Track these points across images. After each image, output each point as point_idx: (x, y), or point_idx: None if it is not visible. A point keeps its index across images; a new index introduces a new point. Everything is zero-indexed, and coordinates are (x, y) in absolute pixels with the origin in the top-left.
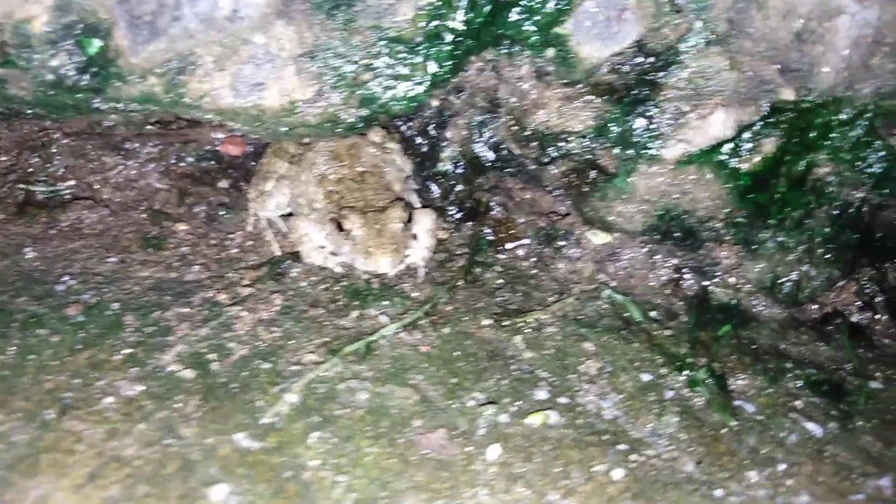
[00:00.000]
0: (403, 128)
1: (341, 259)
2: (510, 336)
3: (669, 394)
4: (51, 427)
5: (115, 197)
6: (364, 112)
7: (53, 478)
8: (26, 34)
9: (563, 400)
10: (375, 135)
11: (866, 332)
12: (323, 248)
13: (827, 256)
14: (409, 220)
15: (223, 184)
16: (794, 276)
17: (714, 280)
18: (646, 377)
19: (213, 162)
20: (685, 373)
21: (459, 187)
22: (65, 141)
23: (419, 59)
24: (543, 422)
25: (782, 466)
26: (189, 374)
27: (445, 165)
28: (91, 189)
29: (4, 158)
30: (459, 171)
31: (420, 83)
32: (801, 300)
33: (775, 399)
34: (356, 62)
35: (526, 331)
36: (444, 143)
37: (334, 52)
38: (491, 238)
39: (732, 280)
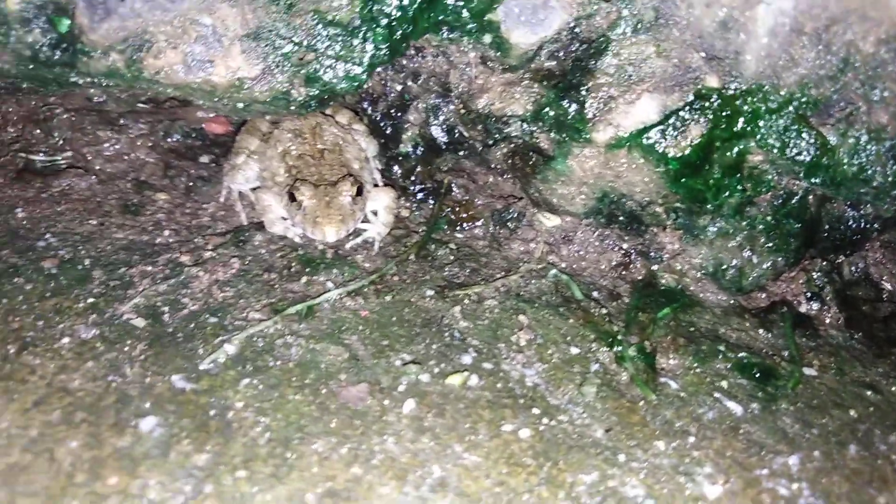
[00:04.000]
0: (371, 111)
1: (299, 230)
2: (450, 307)
3: (595, 367)
4: (9, 360)
5: (105, 167)
6: (313, 91)
7: (3, 402)
8: (2, 12)
9: (487, 365)
10: (342, 116)
11: (813, 322)
12: (285, 219)
13: (769, 245)
14: (359, 194)
15: (204, 159)
16: (736, 262)
17: (661, 265)
18: (574, 350)
19: (197, 139)
20: (615, 349)
21: (419, 168)
22: (65, 115)
23: (357, 42)
24: (462, 383)
25: (692, 440)
26: (141, 322)
27: (406, 147)
28: (85, 160)
29: (11, 130)
30: (419, 153)
31: (359, 64)
32: (745, 288)
33: (702, 378)
34: (298, 43)
35: (465, 303)
36: (406, 126)
37: (277, 34)
38: (451, 217)
39: (678, 265)
